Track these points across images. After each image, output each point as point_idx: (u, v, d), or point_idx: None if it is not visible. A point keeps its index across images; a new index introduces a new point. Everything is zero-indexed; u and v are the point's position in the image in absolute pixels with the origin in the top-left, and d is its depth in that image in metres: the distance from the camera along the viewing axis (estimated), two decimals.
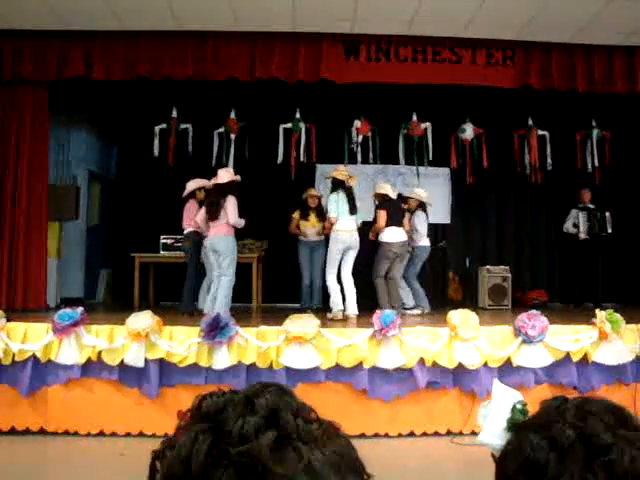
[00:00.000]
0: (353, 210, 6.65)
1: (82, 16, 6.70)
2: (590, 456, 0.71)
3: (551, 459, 0.73)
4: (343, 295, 6.60)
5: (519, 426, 0.85)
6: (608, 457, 0.70)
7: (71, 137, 8.99)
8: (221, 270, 6.27)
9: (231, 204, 6.27)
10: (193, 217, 6.81)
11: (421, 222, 7.41)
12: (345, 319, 6.48)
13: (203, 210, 6.46)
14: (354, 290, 6.64)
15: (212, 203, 6.30)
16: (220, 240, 6.27)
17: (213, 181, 6.50)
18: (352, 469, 0.61)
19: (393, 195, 7.03)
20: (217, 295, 6.22)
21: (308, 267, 7.63)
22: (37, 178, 7.33)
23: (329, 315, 6.54)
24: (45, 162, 7.50)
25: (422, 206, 7.58)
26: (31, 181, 7.27)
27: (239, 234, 8.54)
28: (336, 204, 6.65)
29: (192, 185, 7.13)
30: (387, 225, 6.79)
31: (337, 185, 6.77)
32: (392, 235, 6.81)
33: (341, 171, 6.84)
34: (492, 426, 0.90)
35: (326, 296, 6.98)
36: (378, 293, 6.78)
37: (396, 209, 6.95)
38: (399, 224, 6.90)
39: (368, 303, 6.71)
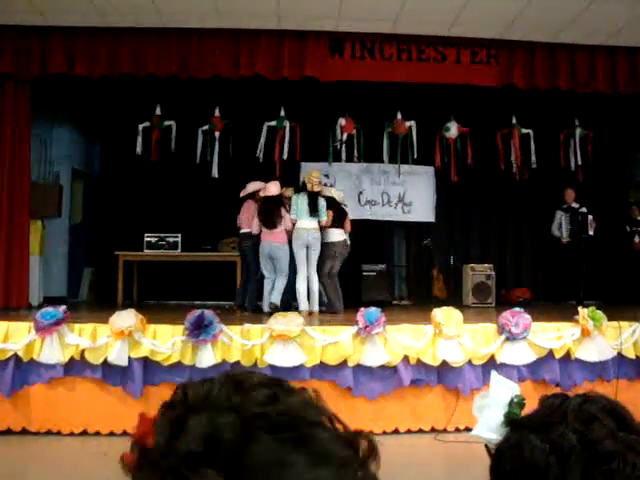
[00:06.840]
0: (312, 212, 6.90)
1: (64, 12, 6.64)
2: (591, 463, 0.70)
3: (551, 463, 0.72)
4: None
5: (518, 423, 0.83)
6: (609, 466, 0.70)
7: (54, 135, 8.88)
8: (277, 272, 6.85)
9: (287, 215, 6.88)
10: (251, 219, 7.09)
11: None
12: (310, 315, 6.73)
13: (257, 219, 6.96)
14: (316, 288, 6.97)
15: (270, 214, 6.84)
16: (279, 248, 6.85)
17: (263, 193, 7.02)
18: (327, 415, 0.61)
19: (339, 199, 7.41)
20: (274, 293, 6.79)
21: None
22: (19, 175, 7.23)
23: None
24: (27, 159, 7.40)
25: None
26: (13, 178, 7.17)
27: (223, 234, 8.57)
28: (296, 205, 6.94)
29: (253, 187, 7.32)
30: (331, 226, 7.14)
31: (303, 187, 7.15)
32: (334, 235, 7.20)
33: (311, 176, 7.11)
34: (488, 420, 0.88)
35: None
36: (327, 290, 7.17)
37: (338, 211, 7.28)
38: (340, 225, 7.25)
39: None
